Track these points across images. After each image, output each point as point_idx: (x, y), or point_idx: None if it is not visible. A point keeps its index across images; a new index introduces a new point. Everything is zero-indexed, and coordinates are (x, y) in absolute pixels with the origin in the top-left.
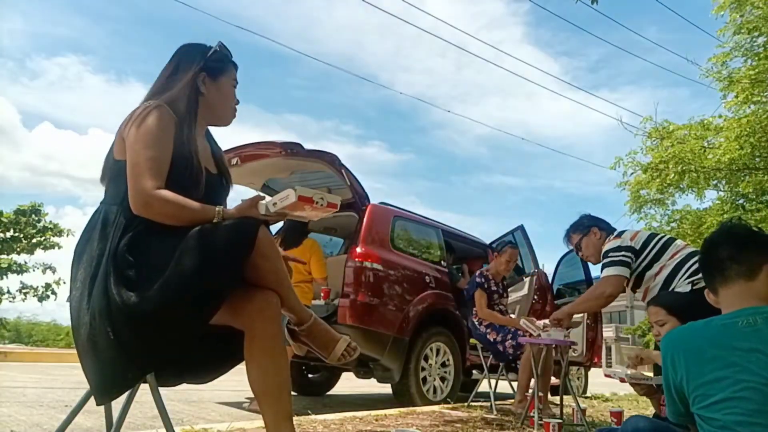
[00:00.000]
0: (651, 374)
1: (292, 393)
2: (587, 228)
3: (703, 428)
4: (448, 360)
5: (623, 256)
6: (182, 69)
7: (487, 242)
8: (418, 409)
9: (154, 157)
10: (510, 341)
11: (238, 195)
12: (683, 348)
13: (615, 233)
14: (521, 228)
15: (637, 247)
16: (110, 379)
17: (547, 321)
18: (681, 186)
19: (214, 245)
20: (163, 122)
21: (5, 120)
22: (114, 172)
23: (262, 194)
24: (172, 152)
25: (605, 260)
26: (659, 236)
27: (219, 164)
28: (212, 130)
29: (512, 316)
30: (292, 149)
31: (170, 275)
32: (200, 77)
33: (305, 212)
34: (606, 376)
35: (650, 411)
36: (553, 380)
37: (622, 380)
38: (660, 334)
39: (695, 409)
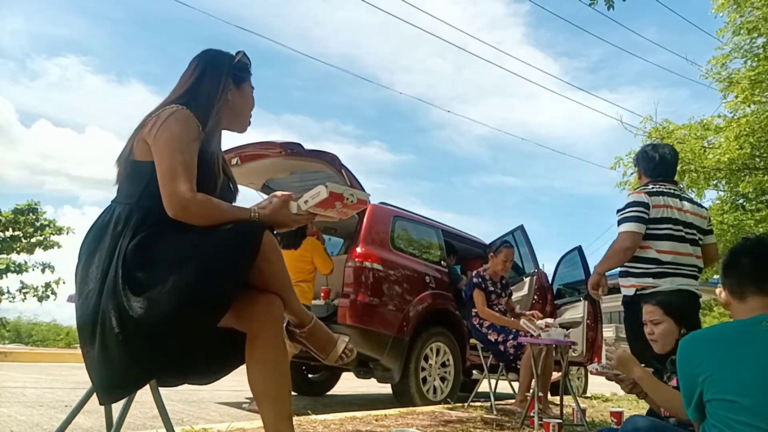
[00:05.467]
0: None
1: (292, 393)
2: (636, 164)
3: (714, 416)
4: (448, 360)
5: (640, 212)
6: (209, 75)
7: (487, 242)
8: (418, 409)
9: (185, 162)
10: (511, 341)
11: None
12: (711, 338)
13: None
14: (521, 228)
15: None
16: (115, 379)
17: (548, 320)
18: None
19: (220, 250)
20: (191, 127)
21: (2, 118)
22: (132, 172)
23: (293, 194)
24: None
25: (620, 216)
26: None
27: (225, 168)
28: None
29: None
30: (292, 149)
31: (178, 280)
32: (228, 84)
33: (335, 210)
34: (594, 373)
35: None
36: (555, 375)
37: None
38: (653, 333)
39: (710, 395)
